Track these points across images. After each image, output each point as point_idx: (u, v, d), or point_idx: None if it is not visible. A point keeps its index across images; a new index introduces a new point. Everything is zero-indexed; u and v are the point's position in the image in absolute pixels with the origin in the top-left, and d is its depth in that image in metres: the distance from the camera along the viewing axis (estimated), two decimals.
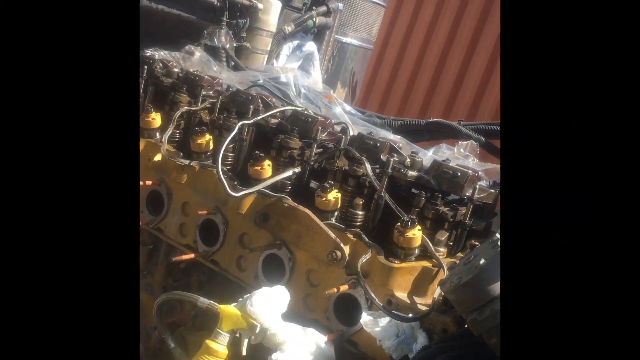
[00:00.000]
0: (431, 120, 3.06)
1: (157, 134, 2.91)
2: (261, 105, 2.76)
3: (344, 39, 5.37)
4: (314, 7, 4.36)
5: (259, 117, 2.64)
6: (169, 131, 2.80)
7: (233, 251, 2.47)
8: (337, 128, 2.70)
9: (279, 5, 3.98)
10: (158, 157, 2.76)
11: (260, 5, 3.85)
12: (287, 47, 4.44)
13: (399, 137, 2.76)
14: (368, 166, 2.27)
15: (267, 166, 2.48)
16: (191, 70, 3.27)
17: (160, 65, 3.22)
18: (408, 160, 2.28)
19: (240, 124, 2.57)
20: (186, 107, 2.91)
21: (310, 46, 4.64)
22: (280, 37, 4.15)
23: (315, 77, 4.73)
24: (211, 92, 3.05)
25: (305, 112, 2.64)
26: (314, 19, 4.33)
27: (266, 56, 4.13)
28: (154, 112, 2.88)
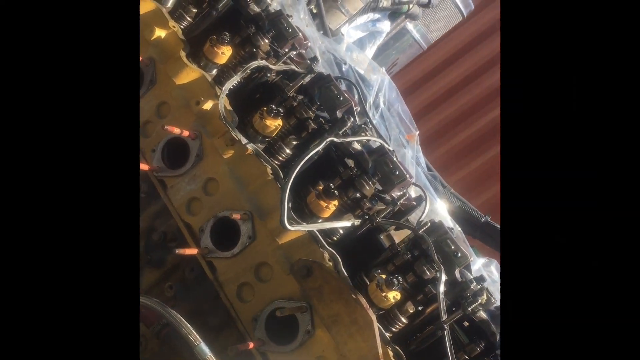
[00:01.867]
0: (490, 222, 2.70)
1: (215, 70, 2.32)
2: (352, 119, 2.24)
3: (407, 26, 4.83)
4: None
5: (350, 139, 2.14)
6: (233, 80, 2.22)
7: (242, 273, 2.02)
8: (412, 192, 2.26)
9: None
10: (208, 105, 2.18)
11: None
12: (366, 15, 3.86)
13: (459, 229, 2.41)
14: (442, 286, 1.89)
15: (332, 206, 2.01)
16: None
17: None
18: (484, 298, 1.93)
19: (329, 140, 2.06)
20: (263, 62, 2.32)
21: (384, 25, 4.08)
22: (370, 7, 3.56)
23: (367, 55, 4.20)
24: (294, 53, 2.48)
25: (393, 157, 2.17)
26: (411, 5, 3.76)
27: (346, 19, 3.53)
28: (226, 45, 2.27)
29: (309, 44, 2.56)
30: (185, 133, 2.13)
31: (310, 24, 2.80)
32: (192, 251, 2.02)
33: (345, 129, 2.22)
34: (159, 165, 2.21)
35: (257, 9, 2.47)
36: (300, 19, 2.81)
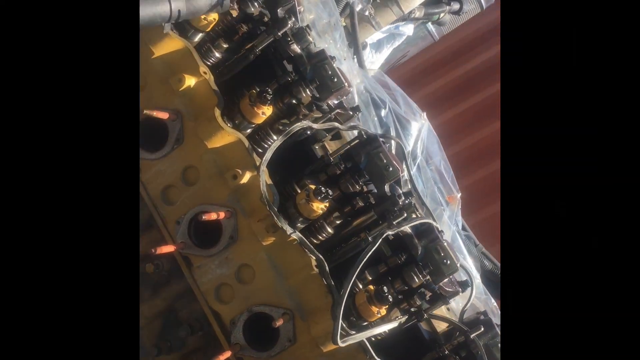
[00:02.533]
0: None
1: (250, 130, 2.01)
2: (405, 199, 1.99)
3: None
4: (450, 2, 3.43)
5: (404, 226, 1.90)
6: (274, 147, 1.92)
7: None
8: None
9: None
10: (245, 177, 1.89)
11: None
12: None
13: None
14: None
15: (384, 310, 1.81)
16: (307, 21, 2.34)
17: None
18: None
19: (382, 235, 1.82)
20: (307, 122, 2.02)
21: (407, 29, 3.75)
22: (402, 18, 3.22)
23: (382, 57, 3.89)
24: (334, 101, 2.19)
25: (445, 244, 1.96)
26: (442, 15, 3.44)
27: (375, 32, 3.19)
28: (267, 106, 1.95)
29: (351, 89, 2.27)
30: (222, 215, 1.85)
31: (347, 55, 2.48)
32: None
33: (395, 209, 2.00)
34: (184, 241, 1.93)
35: (298, 50, 2.14)
36: (337, 49, 2.48)
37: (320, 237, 1.98)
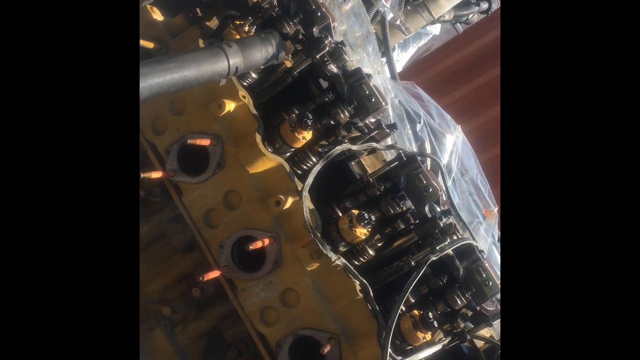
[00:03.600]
0: None
1: (289, 153, 2.01)
2: (445, 220, 2.00)
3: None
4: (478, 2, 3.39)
5: (446, 250, 1.92)
6: (316, 171, 1.93)
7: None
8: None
9: None
10: (288, 203, 1.91)
11: None
12: None
13: None
14: None
15: (430, 335, 1.83)
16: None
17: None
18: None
19: (426, 262, 1.83)
20: (347, 145, 2.02)
21: (435, 29, 3.72)
22: (430, 22, 3.19)
23: (408, 55, 3.87)
24: (372, 120, 2.19)
25: (486, 265, 1.97)
26: (470, 15, 3.40)
27: (405, 37, 3.17)
28: (308, 131, 1.96)
29: (388, 107, 2.26)
30: (266, 242, 1.87)
31: (381, 69, 2.46)
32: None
33: (437, 231, 2.01)
34: (228, 265, 1.96)
35: (335, 70, 2.14)
36: (370, 62, 2.47)
37: (362, 259, 2.00)
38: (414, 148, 2.43)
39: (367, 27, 2.52)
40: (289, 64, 1.96)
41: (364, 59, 2.49)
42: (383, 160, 2.39)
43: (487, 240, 2.41)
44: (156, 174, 1.95)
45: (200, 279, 1.82)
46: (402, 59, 3.96)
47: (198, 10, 2.16)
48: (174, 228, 2.11)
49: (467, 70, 3.55)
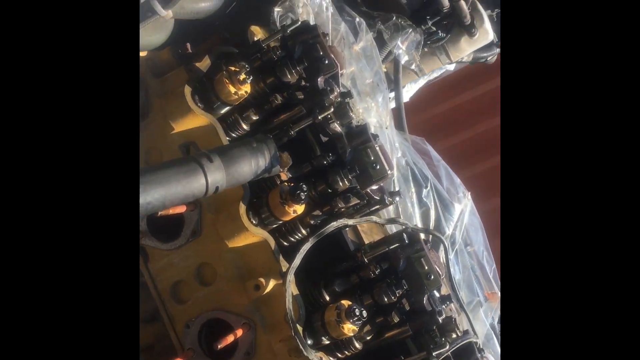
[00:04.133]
0: None
1: (277, 224, 1.75)
2: (445, 316, 1.76)
3: None
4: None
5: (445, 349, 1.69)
6: (304, 252, 1.67)
7: None
8: None
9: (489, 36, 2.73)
10: (269, 286, 1.65)
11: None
12: None
13: None
14: None
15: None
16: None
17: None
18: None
19: None
20: (343, 221, 1.76)
21: (450, 65, 3.45)
22: (447, 63, 2.93)
23: (417, 86, 3.61)
24: (374, 187, 1.93)
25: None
26: (490, 57, 3.14)
27: (417, 77, 2.91)
28: (300, 205, 1.69)
29: (393, 173, 2.01)
30: (239, 332, 1.62)
31: (389, 124, 2.20)
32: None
33: (434, 328, 1.77)
34: (193, 349, 1.71)
35: (338, 129, 1.88)
36: (378, 114, 2.21)
37: (346, 353, 1.76)
38: (417, 216, 2.18)
39: (379, 72, 2.26)
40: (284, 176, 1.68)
41: (371, 109, 2.23)
42: (388, 218, 2.14)
43: (486, 323, 2.17)
44: None
45: None
46: (410, 89, 3.70)
47: (189, 45, 1.89)
48: None
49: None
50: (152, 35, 1.52)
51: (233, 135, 1.88)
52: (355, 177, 1.85)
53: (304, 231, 1.81)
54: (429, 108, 3.95)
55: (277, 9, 2.17)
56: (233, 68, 1.77)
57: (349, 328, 1.64)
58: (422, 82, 3.66)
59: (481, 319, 2.18)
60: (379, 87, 2.23)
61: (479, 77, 4.07)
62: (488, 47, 2.99)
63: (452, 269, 2.20)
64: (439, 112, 4.00)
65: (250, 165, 1.53)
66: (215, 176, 1.38)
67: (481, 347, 1.86)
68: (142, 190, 1.15)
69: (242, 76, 1.76)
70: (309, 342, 1.66)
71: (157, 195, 1.19)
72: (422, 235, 1.94)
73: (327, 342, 1.70)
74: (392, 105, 2.60)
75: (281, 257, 1.72)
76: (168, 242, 1.75)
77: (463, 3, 2.38)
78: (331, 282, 1.82)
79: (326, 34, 2.00)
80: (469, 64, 3.10)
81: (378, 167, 1.85)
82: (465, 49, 2.70)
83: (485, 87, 4.17)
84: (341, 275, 1.86)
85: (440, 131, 3.99)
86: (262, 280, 1.66)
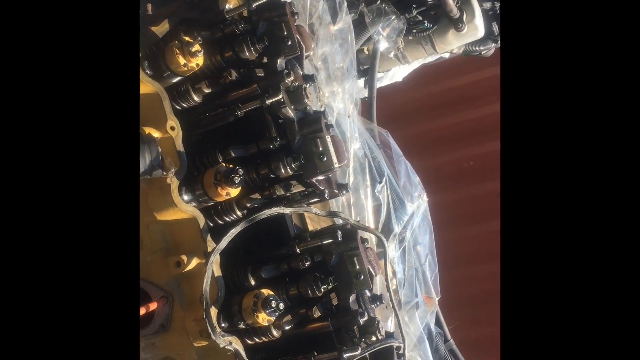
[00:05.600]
0: None
1: (210, 203, 1.73)
2: (367, 318, 1.75)
3: None
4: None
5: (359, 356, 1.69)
6: (229, 238, 1.65)
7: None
8: None
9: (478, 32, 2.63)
10: (192, 264, 1.64)
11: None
12: None
13: None
14: None
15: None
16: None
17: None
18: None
19: None
20: (278, 209, 1.73)
21: (445, 53, 3.36)
22: (432, 55, 2.84)
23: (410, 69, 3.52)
24: (320, 178, 1.89)
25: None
26: (484, 52, 3.04)
27: (399, 65, 2.82)
28: (236, 187, 1.67)
29: (344, 166, 1.97)
30: (154, 305, 1.62)
31: (352, 112, 2.14)
32: None
33: (354, 327, 1.77)
34: None
35: (291, 114, 1.83)
36: (343, 100, 2.15)
37: (263, 339, 1.77)
38: (369, 210, 2.16)
39: (352, 58, 2.19)
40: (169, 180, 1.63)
41: (338, 94, 2.17)
42: (329, 211, 2.12)
43: (419, 327, 2.17)
44: None
45: None
46: (403, 71, 3.61)
47: (149, 6, 1.83)
48: None
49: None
50: None
51: (183, 105, 1.84)
52: (300, 166, 1.82)
53: (239, 213, 1.80)
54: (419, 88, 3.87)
55: None
56: (187, 38, 1.72)
57: (263, 318, 1.64)
58: (416, 64, 3.58)
59: (416, 322, 2.18)
60: (349, 73, 2.17)
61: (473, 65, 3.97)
62: (482, 41, 2.90)
63: (395, 267, 2.19)
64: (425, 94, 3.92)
65: None
66: None
67: (404, 351, 1.86)
68: None
69: (195, 48, 1.71)
70: (224, 324, 1.67)
71: None
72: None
73: (243, 327, 1.71)
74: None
75: (209, 237, 1.70)
76: None
77: None
78: (259, 267, 1.81)
79: (296, 12, 1.93)
80: (461, 55, 3.00)
81: (325, 159, 1.81)
82: (452, 42, 2.61)
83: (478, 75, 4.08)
84: (272, 261, 1.85)
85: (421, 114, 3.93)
86: (184, 257, 1.65)
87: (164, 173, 1.57)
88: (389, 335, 1.86)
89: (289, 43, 1.84)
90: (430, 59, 3.52)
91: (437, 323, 2.31)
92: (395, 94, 3.46)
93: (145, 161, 1.53)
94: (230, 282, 1.77)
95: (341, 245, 1.82)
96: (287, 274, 1.83)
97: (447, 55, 3.46)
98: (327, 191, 1.84)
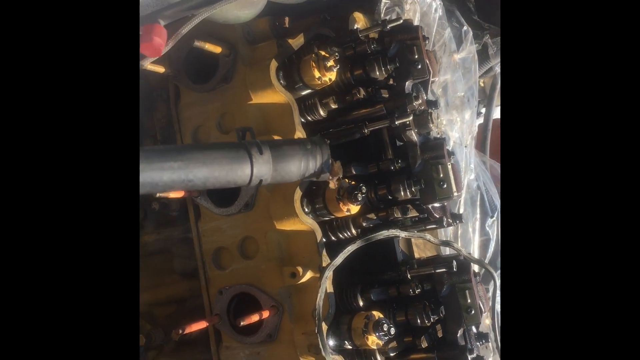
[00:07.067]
0: None
1: (328, 218, 1.73)
2: (478, 352, 1.68)
3: None
4: None
5: None
6: (345, 255, 1.64)
7: None
8: None
9: None
10: (306, 276, 1.64)
11: None
12: None
13: None
14: None
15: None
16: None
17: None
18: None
19: None
20: (395, 231, 1.71)
21: None
22: None
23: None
24: (436, 205, 1.86)
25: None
26: None
27: None
28: (356, 205, 1.66)
29: (460, 195, 1.93)
30: (265, 314, 1.62)
31: (470, 142, 2.09)
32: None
33: None
34: (221, 315, 1.73)
35: (414, 138, 1.81)
36: (460, 130, 2.11)
37: None
38: (476, 244, 2.09)
39: (473, 88, 2.16)
40: (332, 185, 1.63)
41: (456, 123, 2.14)
42: (443, 240, 2.08)
43: None
44: (178, 194, 1.72)
45: (181, 331, 1.60)
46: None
47: (287, 20, 1.87)
48: (180, 249, 1.89)
49: None
50: (241, 10, 1.50)
51: (308, 118, 1.86)
52: (419, 191, 1.79)
53: (354, 231, 1.78)
54: None
55: (385, 0, 2.11)
56: (323, 53, 1.74)
57: (373, 340, 1.61)
58: None
59: None
60: (469, 103, 2.13)
61: None
62: None
63: (497, 307, 2.10)
64: None
65: (300, 166, 1.50)
66: (261, 169, 1.36)
67: None
68: (185, 166, 1.15)
69: (330, 63, 1.73)
70: (331, 342, 1.64)
71: (200, 174, 1.19)
72: (476, 267, 1.87)
73: (349, 347, 1.68)
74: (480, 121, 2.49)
75: (324, 252, 1.69)
76: (221, 207, 1.77)
77: None
78: (369, 288, 1.78)
79: (426, 37, 1.92)
80: None
81: (445, 185, 1.77)
82: None
83: None
84: (381, 284, 1.82)
85: None
86: (300, 269, 1.64)
87: (331, 178, 1.58)
88: None
89: (419, 67, 1.83)
90: None
91: None
92: None
93: (315, 164, 1.54)
94: (338, 299, 1.75)
95: (454, 276, 1.77)
96: (394, 299, 1.79)
97: None
98: (445, 219, 1.80)
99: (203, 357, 1.81)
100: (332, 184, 1.59)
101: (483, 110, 2.77)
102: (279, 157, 1.41)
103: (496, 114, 3.31)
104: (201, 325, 1.68)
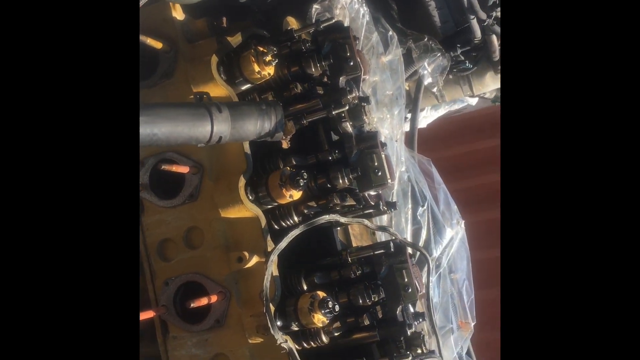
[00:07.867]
0: None
1: (272, 205, 1.81)
2: (415, 329, 1.79)
3: None
4: None
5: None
6: (292, 237, 1.72)
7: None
8: None
9: None
10: (252, 262, 1.69)
11: None
12: None
13: None
14: None
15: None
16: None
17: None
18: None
19: None
20: (335, 216, 1.81)
21: (472, 100, 3.51)
22: (469, 96, 2.98)
23: (437, 114, 3.65)
24: (372, 193, 1.97)
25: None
26: None
27: (436, 102, 2.96)
28: (299, 190, 1.75)
29: (394, 184, 2.05)
30: (214, 298, 1.66)
31: (400, 137, 2.25)
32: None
33: (402, 339, 1.80)
34: (167, 306, 1.75)
35: (349, 129, 1.93)
36: (391, 126, 2.26)
37: (312, 344, 1.79)
38: (409, 232, 2.22)
39: (401, 87, 2.31)
40: (285, 144, 1.72)
41: (386, 120, 2.28)
42: (373, 232, 2.19)
43: (454, 351, 2.19)
44: None
45: None
46: (430, 116, 3.75)
47: (225, 20, 1.95)
48: None
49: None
50: None
51: None
52: (356, 179, 1.89)
53: (296, 218, 1.86)
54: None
55: (315, 6, 2.23)
56: (261, 48, 1.83)
57: (319, 318, 1.68)
58: (442, 111, 3.72)
59: (450, 346, 2.20)
60: (397, 101, 2.28)
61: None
62: None
63: (431, 291, 2.23)
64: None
65: (256, 125, 1.58)
66: (221, 126, 1.43)
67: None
68: (150, 121, 1.20)
69: (269, 58, 1.82)
70: (279, 323, 1.70)
71: (164, 129, 1.24)
72: (409, 250, 1.99)
73: (296, 328, 1.74)
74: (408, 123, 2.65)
75: (269, 238, 1.76)
76: (165, 200, 1.80)
77: (494, 38, 2.44)
78: (312, 273, 1.86)
79: (357, 37, 2.05)
80: (491, 102, 3.14)
81: (380, 173, 1.89)
82: (489, 85, 2.74)
83: None
84: (323, 269, 1.90)
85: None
86: (246, 253, 1.70)
87: (284, 137, 1.64)
88: (431, 352, 1.90)
89: (352, 63, 1.95)
90: (457, 106, 3.68)
91: (467, 353, 2.33)
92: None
93: (270, 123, 1.60)
94: (282, 285, 1.81)
95: (391, 257, 1.88)
96: (337, 282, 1.87)
97: (473, 103, 3.61)
98: (381, 204, 1.91)
99: (149, 351, 1.81)
100: (285, 144, 1.67)
101: (409, 115, 2.95)
102: (237, 116, 1.48)
103: (422, 121, 3.52)
104: (147, 315, 1.69)
